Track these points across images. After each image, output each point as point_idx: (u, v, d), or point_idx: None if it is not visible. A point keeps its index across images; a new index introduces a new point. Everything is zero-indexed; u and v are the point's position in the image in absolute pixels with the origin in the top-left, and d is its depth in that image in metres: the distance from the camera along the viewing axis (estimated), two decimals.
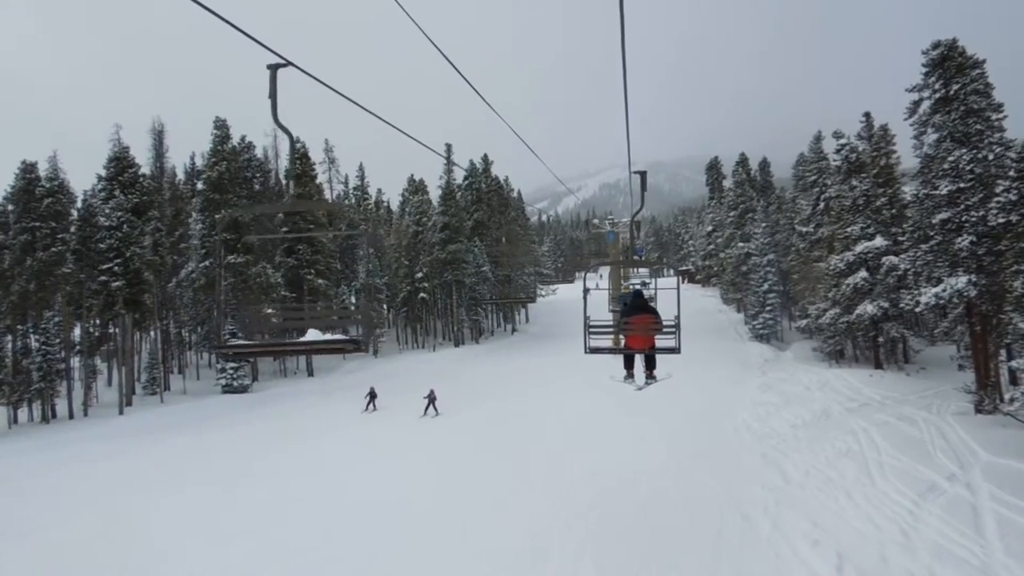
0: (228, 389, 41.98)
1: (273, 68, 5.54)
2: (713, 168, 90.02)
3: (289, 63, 5.46)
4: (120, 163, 39.49)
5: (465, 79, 8.09)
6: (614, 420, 30.69)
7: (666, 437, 27.94)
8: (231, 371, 41.95)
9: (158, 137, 47.73)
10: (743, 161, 72.84)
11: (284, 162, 53.45)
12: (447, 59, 7.42)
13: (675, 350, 10.34)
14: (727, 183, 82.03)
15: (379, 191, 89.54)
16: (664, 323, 10.76)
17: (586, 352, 11.16)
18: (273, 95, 5.62)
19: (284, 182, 53.41)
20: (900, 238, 41.47)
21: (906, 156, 46.71)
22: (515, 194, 78.88)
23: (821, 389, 36.78)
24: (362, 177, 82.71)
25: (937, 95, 30.68)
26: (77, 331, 44.92)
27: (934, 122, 30.71)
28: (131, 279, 38.30)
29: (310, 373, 49.09)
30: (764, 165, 79.44)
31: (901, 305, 35.17)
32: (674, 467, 23.96)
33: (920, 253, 30.87)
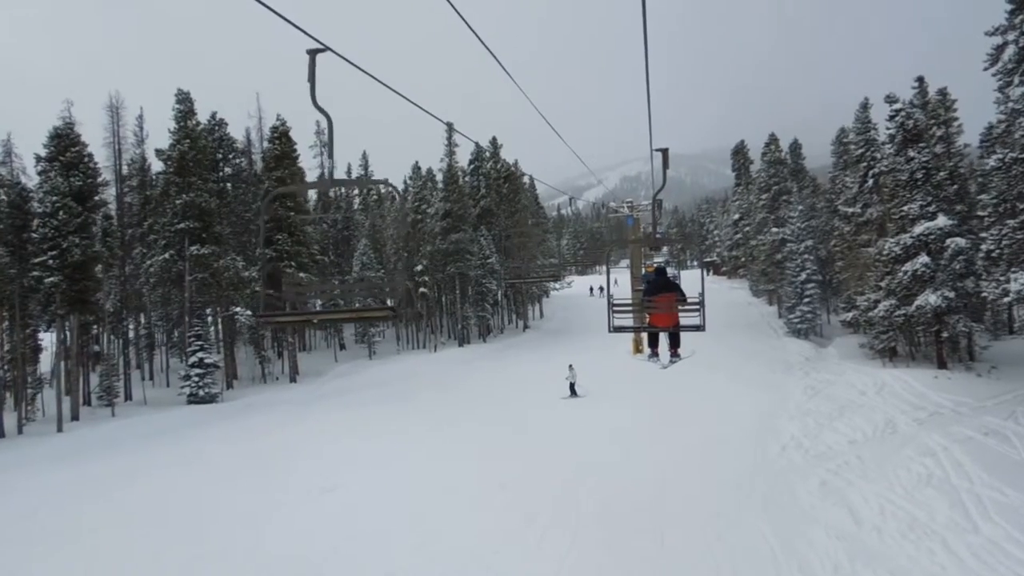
0: (194, 399, 37.09)
1: (312, 53, 5.38)
2: (739, 152, 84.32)
3: (327, 48, 5.42)
4: (62, 141, 34.70)
5: (496, 59, 8.29)
6: (637, 436, 25.56)
7: (700, 458, 22.85)
8: (196, 379, 37.05)
9: (116, 114, 42.95)
10: (773, 141, 67.06)
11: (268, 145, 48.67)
12: (479, 38, 7.39)
13: (700, 327, 10.31)
14: (754, 167, 76.59)
15: (386, 181, 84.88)
16: (688, 299, 10.79)
17: (610, 331, 10.92)
18: (312, 79, 5.40)
19: (262, 164, 48.64)
20: (968, 216, 36.09)
21: (968, 124, 41.35)
22: (526, 179, 73.61)
23: (879, 394, 31.36)
24: (366, 166, 78.04)
25: None
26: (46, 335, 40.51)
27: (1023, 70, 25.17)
28: (71, 274, 33.44)
29: (292, 379, 44.18)
30: (795, 147, 73.58)
31: (984, 294, 29.47)
32: (712, 502, 18.78)
33: (1007, 231, 25.29)
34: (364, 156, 78.37)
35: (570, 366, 33.36)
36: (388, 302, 7.37)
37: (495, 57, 8.37)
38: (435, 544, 16.44)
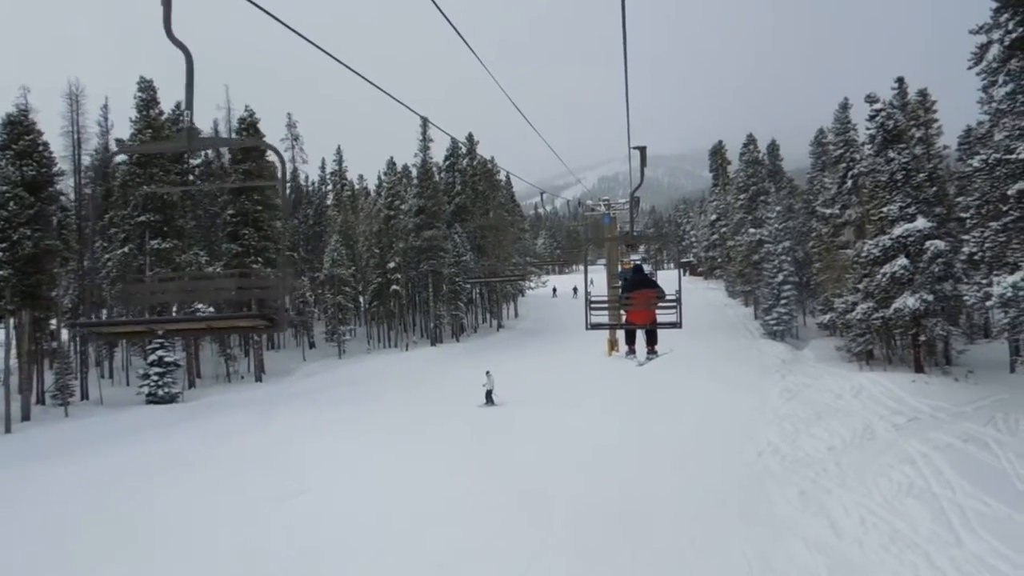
0: (152, 399, 35.62)
1: None
2: (717, 153, 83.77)
3: None
4: (15, 128, 33.01)
5: (474, 52, 8.19)
6: (611, 439, 24.71)
7: (675, 463, 22.06)
8: (155, 378, 35.64)
9: (75, 102, 41.24)
10: (752, 141, 66.61)
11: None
12: (457, 31, 7.24)
13: (676, 325, 10.44)
14: (732, 168, 76.24)
15: (360, 177, 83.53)
16: (666, 296, 10.95)
17: (587, 328, 10.95)
18: (166, 3, 3.87)
19: (229, 156, 47.17)
20: (947, 218, 35.71)
21: (948, 126, 41.10)
22: (502, 176, 72.61)
23: (856, 397, 30.83)
24: (340, 161, 76.55)
25: (1012, 35, 24.48)
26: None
27: (1008, 69, 24.56)
28: (22, 267, 31.84)
29: (258, 378, 42.87)
30: (773, 148, 73.27)
31: (965, 297, 28.98)
32: (687, 511, 17.97)
33: (990, 233, 24.73)
34: (339, 151, 77.06)
35: (487, 372, 31.78)
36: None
37: (474, 52, 8.20)
38: (399, 551, 15.54)
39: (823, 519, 17.46)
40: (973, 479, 19.02)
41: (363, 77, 7.10)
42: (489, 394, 31.03)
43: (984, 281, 25.79)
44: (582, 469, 21.43)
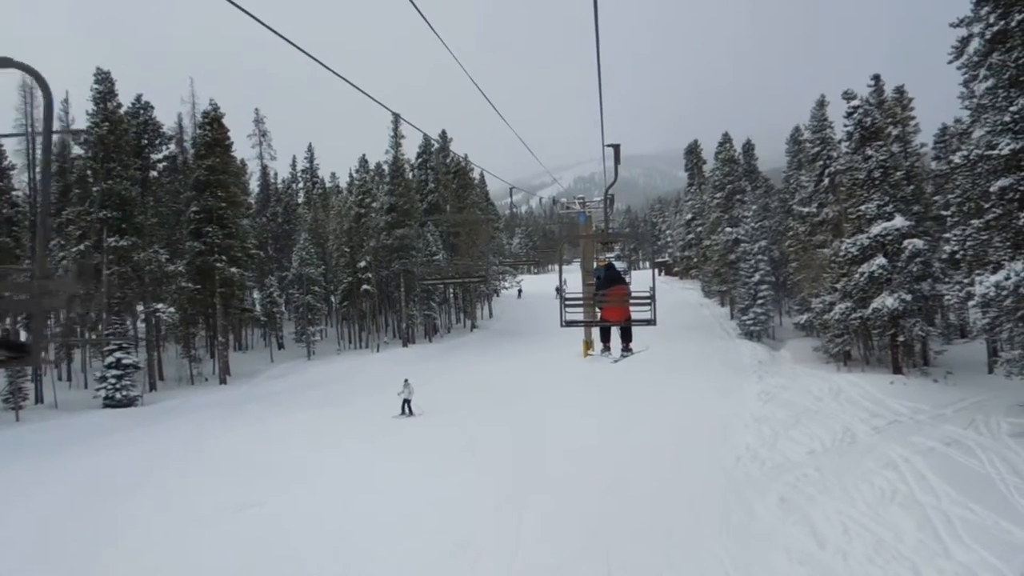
0: (110, 402, 34.15)
1: None
2: (692, 152, 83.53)
3: None
4: None
5: (452, 53, 8.40)
6: (585, 446, 23.86)
7: (651, 469, 21.30)
8: (113, 380, 34.19)
9: (29, 95, 39.57)
10: (727, 140, 66.17)
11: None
12: (435, 31, 7.30)
13: (651, 322, 10.51)
14: (707, 167, 75.92)
15: (333, 175, 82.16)
16: (637, 293, 10.91)
17: (562, 325, 11.02)
18: None
19: (193, 151, 45.53)
20: (924, 217, 35.35)
21: (925, 124, 40.84)
22: (475, 174, 71.56)
23: (835, 399, 30.35)
24: (311, 159, 75.20)
25: (993, 28, 23.99)
26: None
27: (990, 63, 24.05)
28: None
29: (223, 380, 41.48)
30: (748, 148, 72.80)
31: (946, 297, 28.51)
32: (664, 521, 17.14)
33: (971, 231, 24.20)
34: (310, 148, 75.74)
35: (406, 380, 30.28)
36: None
37: (450, 50, 8.21)
38: (360, 569, 14.53)
39: (805, 528, 16.75)
40: (957, 484, 18.47)
41: (334, 71, 6.67)
42: (407, 403, 29.63)
43: (965, 280, 25.26)
44: (555, 476, 20.61)
